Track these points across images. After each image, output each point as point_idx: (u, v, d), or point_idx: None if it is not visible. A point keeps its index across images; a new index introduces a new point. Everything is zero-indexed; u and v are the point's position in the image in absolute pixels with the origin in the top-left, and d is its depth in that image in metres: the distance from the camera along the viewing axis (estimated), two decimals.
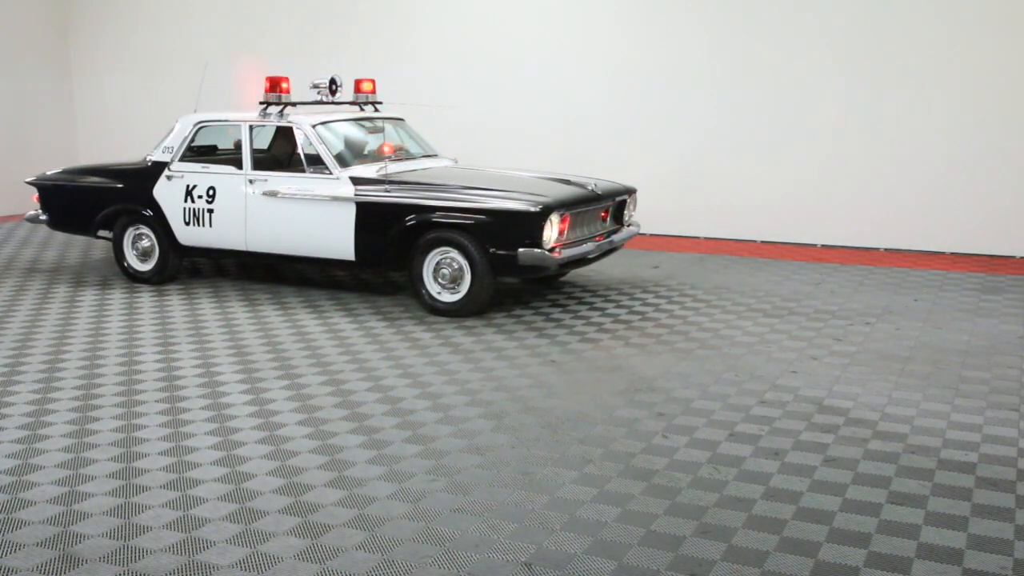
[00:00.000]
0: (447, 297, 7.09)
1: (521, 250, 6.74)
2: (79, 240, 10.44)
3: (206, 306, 7.46)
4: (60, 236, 10.72)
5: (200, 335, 6.59)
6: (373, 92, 8.46)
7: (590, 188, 7.41)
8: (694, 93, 10.26)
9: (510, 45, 10.98)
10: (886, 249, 9.75)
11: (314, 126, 7.62)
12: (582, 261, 7.33)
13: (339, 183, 7.35)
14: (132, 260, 8.34)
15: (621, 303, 7.54)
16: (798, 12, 9.72)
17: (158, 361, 5.96)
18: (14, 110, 12.74)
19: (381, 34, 11.62)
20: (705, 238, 10.51)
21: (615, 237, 7.62)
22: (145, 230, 8.24)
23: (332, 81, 8.01)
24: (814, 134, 9.84)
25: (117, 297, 7.79)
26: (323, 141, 7.56)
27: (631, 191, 7.93)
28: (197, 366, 5.86)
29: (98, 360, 5.99)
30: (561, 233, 6.90)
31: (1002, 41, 9.00)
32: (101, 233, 8.57)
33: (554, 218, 6.77)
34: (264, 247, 7.72)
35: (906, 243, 9.68)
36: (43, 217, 8.72)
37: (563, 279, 8.32)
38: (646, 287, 8.11)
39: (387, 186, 7.23)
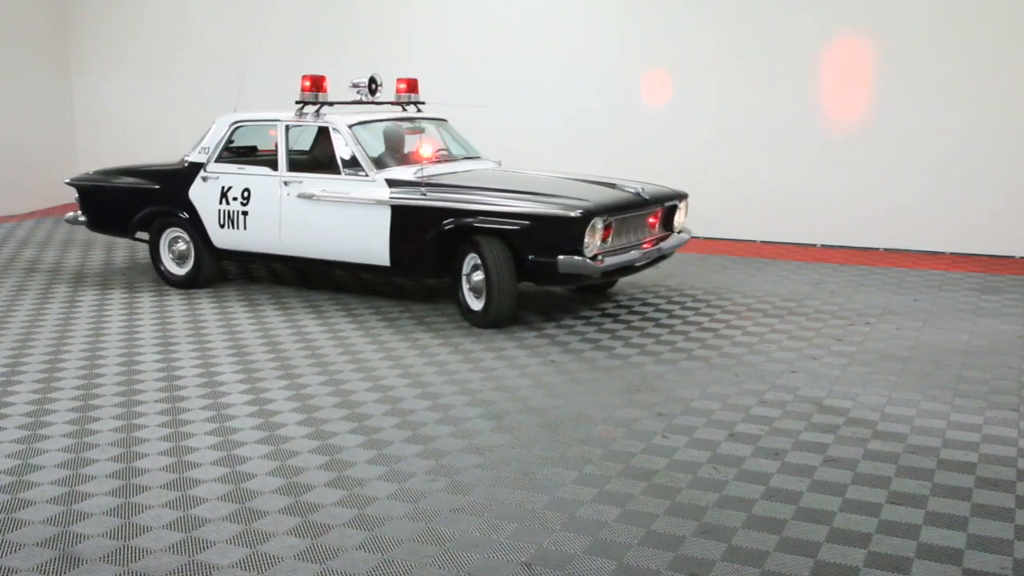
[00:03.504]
0: (475, 304, 6.80)
1: (561, 257, 6.41)
2: (79, 240, 10.44)
3: (206, 306, 7.46)
4: (60, 236, 10.72)
5: (200, 335, 6.58)
6: (415, 91, 8.10)
7: (636, 192, 7.12)
8: (694, 93, 10.26)
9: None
10: (886, 249, 9.75)
11: (350, 126, 7.34)
12: (628, 269, 7.01)
13: (374, 185, 7.08)
14: (168, 263, 8.15)
15: (621, 303, 7.54)
16: (798, 12, 9.72)
17: (158, 361, 5.96)
18: (13, 111, 12.71)
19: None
20: (705, 238, 10.51)
21: (664, 244, 7.28)
22: (181, 233, 8.08)
23: (372, 80, 7.69)
24: (814, 134, 9.83)
25: (117, 297, 7.79)
26: (359, 142, 7.28)
27: (682, 196, 7.56)
28: (197, 366, 5.86)
29: (98, 360, 5.99)
30: (604, 240, 6.63)
31: (1002, 41, 9.00)
32: (139, 235, 8.40)
33: (596, 224, 6.47)
34: (297, 251, 7.49)
35: (906, 243, 9.67)
36: (82, 219, 8.57)
37: (612, 288, 7.98)
38: (646, 287, 8.11)
39: (423, 189, 6.90)
